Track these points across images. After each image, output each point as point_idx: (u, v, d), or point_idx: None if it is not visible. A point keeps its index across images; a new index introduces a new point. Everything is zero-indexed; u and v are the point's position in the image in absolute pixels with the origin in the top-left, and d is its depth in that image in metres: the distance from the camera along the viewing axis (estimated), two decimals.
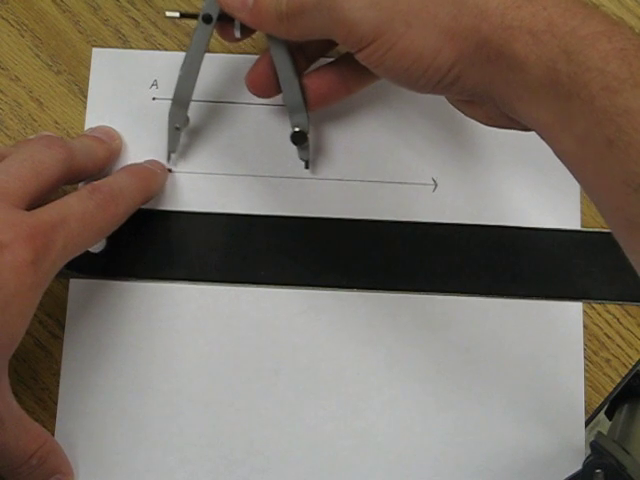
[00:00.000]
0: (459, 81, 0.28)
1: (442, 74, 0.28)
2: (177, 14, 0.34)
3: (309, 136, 0.36)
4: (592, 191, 0.26)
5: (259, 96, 0.35)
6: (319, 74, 0.35)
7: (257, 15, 0.30)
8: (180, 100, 0.36)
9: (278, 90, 0.35)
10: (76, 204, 0.32)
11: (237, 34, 0.32)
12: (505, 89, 0.27)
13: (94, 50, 0.39)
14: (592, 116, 0.24)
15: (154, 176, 0.37)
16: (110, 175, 0.36)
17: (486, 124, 0.31)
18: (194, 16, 0.33)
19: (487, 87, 0.28)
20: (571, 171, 0.27)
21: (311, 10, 0.29)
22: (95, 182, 0.34)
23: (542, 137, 0.27)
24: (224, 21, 0.33)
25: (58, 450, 0.35)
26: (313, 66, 0.36)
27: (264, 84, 0.35)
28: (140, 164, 0.38)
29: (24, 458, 0.32)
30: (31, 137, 0.36)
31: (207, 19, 0.33)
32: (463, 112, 0.31)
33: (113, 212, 0.33)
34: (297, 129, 0.35)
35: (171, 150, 0.38)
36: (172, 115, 0.36)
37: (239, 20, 0.32)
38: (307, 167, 0.38)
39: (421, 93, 0.30)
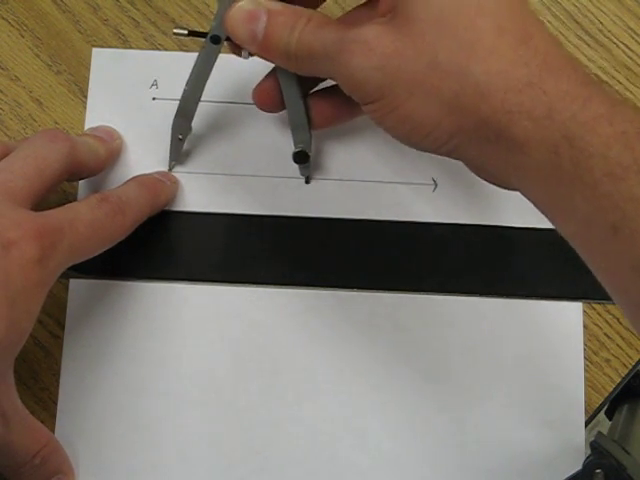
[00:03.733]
0: (458, 150, 0.28)
1: (441, 143, 0.28)
2: (185, 32, 0.33)
3: (311, 154, 0.36)
4: (598, 272, 0.26)
5: (264, 110, 0.35)
6: (324, 95, 0.35)
7: (266, 50, 0.30)
8: (184, 113, 0.36)
9: (284, 106, 0.35)
10: (85, 210, 0.32)
11: (245, 56, 0.32)
12: (505, 168, 0.27)
13: (94, 50, 0.40)
14: (596, 202, 0.24)
15: (163, 188, 0.37)
16: (119, 185, 0.36)
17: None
18: (203, 35, 0.33)
19: (486, 162, 0.28)
20: (576, 249, 0.27)
21: (319, 58, 0.29)
22: (105, 192, 0.35)
23: (544, 214, 0.27)
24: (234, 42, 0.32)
25: (60, 450, 0.35)
26: (321, 85, 0.35)
27: (270, 100, 0.35)
28: (150, 175, 0.38)
29: (27, 457, 0.32)
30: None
31: (215, 40, 0.33)
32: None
33: (121, 222, 0.34)
34: (299, 148, 0.35)
35: (173, 159, 0.38)
36: (175, 126, 0.36)
37: (248, 50, 0.31)
38: (307, 182, 0.38)
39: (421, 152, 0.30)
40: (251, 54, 0.32)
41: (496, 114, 0.26)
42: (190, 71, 0.34)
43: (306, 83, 0.34)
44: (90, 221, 0.32)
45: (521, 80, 0.25)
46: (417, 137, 0.28)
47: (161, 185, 0.37)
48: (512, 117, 0.25)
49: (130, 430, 0.36)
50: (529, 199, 0.28)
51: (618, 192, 0.24)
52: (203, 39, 0.33)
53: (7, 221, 0.29)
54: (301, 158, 0.36)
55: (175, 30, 0.34)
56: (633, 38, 0.40)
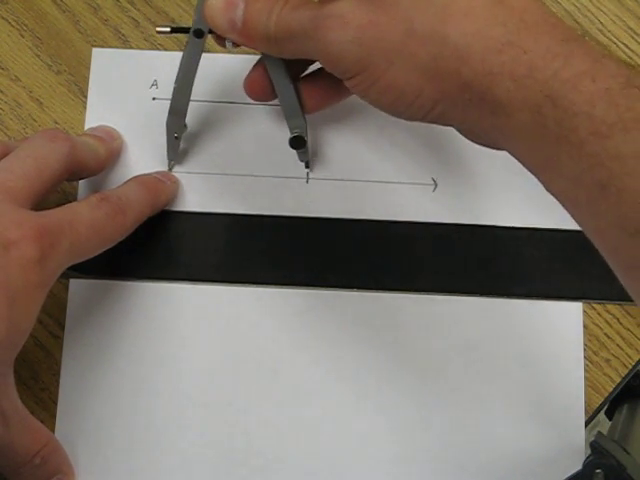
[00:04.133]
0: (444, 116, 0.28)
1: (426, 110, 0.28)
2: (168, 29, 0.34)
3: (307, 139, 0.36)
4: (588, 232, 0.26)
5: (256, 100, 0.36)
6: (314, 78, 0.35)
7: (246, 37, 0.31)
8: (177, 110, 0.36)
9: (275, 94, 0.35)
10: (85, 210, 0.32)
11: (229, 46, 0.32)
12: (491, 130, 0.27)
13: (94, 50, 0.39)
14: (582, 161, 0.24)
15: (164, 188, 0.37)
16: (119, 185, 0.36)
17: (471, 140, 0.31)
18: (186, 30, 0.33)
19: (473, 126, 0.28)
20: (565, 208, 0.26)
21: (298, 37, 0.29)
22: (105, 192, 0.35)
23: (533, 174, 0.27)
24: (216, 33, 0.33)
25: (60, 450, 0.35)
26: (310, 69, 0.35)
27: (260, 89, 0.35)
28: (150, 175, 0.38)
29: (27, 457, 0.32)
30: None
31: (198, 34, 0.33)
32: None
33: (121, 222, 0.34)
34: (295, 134, 0.35)
35: (171, 158, 0.38)
36: (170, 125, 0.36)
37: (229, 39, 0.32)
38: (307, 167, 0.38)
39: (410, 121, 0.30)
40: (235, 44, 0.32)
41: (477, 76, 0.26)
42: (177, 68, 0.34)
43: (294, 68, 0.34)
44: (90, 221, 0.32)
45: (499, 40, 0.25)
46: (402, 106, 0.28)
47: (161, 185, 0.37)
48: (493, 78, 0.25)
49: (130, 430, 0.36)
50: (517, 159, 0.27)
51: (604, 150, 0.23)
52: (187, 35, 0.33)
53: (7, 221, 0.29)
54: (298, 143, 0.36)
55: (158, 29, 0.34)
56: (633, 38, 0.40)
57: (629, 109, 0.23)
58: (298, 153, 0.37)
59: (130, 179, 0.37)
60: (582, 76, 0.24)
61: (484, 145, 0.29)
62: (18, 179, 0.31)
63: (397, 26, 0.27)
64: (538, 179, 0.27)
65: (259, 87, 0.35)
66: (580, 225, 0.26)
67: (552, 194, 0.27)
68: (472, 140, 0.30)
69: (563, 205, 0.26)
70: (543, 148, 0.25)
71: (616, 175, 0.23)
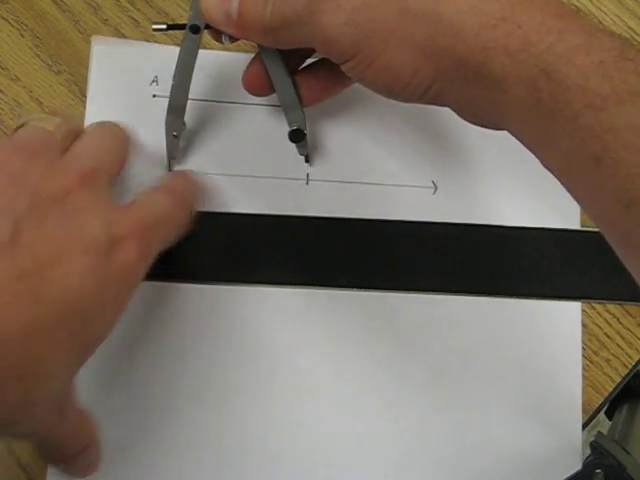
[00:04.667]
0: (442, 96, 0.28)
1: (423, 90, 0.28)
2: (164, 26, 0.33)
3: (307, 132, 0.36)
4: (583, 205, 0.26)
5: (255, 95, 0.36)
6: (311, 71, 0.35)
7: (242, 28, 0.31)
8: (175, 108, 0.36)
9: (273, 89, 0.35)
10: (162, 202, 0.32)
11: (225, 42, 0.32)
12: (488, 108, 0.27)
13: (93, 39, 0.39)
14: (577, 134, 0.24)
15: (203, 185, 0.37)
16: (166, 178, 0.36)
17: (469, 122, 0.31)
18: (182, 27, 0.33)
19: (470, 104, 0.28)
20: (562, 183, 0.27)
21: (293, 24, 0.29)
22: (165, 184, 0.34)
23: (531, 151, 0.27)
24: (212, 29, 0.33)
25: (99, 447, 0.34)
26: (307, 62, 0.35)
27: (258, 84, 0.35)
28: (186, 172, 0.38)
29: (76, 451, 0.32)
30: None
31: (195, 29, 0.33)
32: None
33: (188, 214, 0.34)
34: (294, 127, 0.35)
35: (171, 157, 0.38)
36: (169, 124, 0.36)
37: (225, 33, 0.32)
38: (307, 161, 0.38)
39: (407, 103, 0.30)
40: (232, 39, 0.32)
41: (472, 52, 0.26)
42: (175, 65, 0.34)
43: (292, 62, 0.34)
44: (168, 214, 0.32)
45: (494, 15, 0.25)
46: (399, 87, 0.28)
47: (200, 182, 0.37)
48: (488, 53, 0.25)
49: (129, 430, 0.36)
50: (515, 136, 0.27)
51: (598, 123, 0.24)
52: (183, 31, 0.33)
53: (112, 214, 0.29)
54: (297, 136, 0.36)
55: (154, 26, 0.34)
56: (633, 38, 0.40)
57: (623, 82, 0.24)
58: (297, 147, 0.37)
59: (173, 173, 0.37)
60: (576, 50, 0.24)
61: (481, 125, 0.29)
62: (103, 167, 0.30)
63: (391, 6, 0.27)
64: (535, 155, 0.27)
65: (257, 82, 0.35)
66: (576, 199, 0.27)
67: (548, 169, 0.27)
68: (469, 121, 0.30)
69: (559, 179, 0.27)
70: (539, 122, 0.25)
71: (610, 147, 0.23)
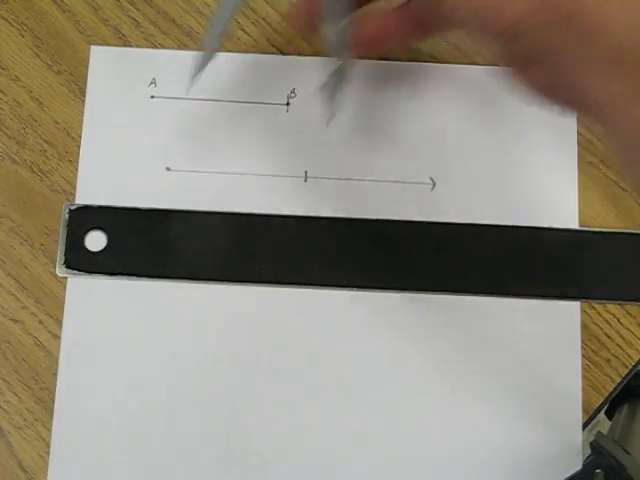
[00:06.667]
0: (519, 40, 0.26)
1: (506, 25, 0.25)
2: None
3: (346, 82, 0.32)
4: None
5: (297, 31, 0.33)
6: (382, 16, 0.31)
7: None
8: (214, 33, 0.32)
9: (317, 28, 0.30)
10: None
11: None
12: (570, 58, 0.25)
13: (92, 48, 0.39)
14: None
15: None
16: None
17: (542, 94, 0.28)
18: None
19: (548, 53, 0.26)
20: (617, 156, 0.25)
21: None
22: None
23: (593, 118, 0.26)
24: None
25: None
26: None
27: (305, 18, 0.31)
28: None
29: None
30: None
31: None
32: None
33: None
34: (335, 70, 0.32)
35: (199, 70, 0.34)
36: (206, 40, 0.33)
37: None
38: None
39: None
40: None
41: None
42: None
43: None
44: None
45: None
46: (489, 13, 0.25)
47: None
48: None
49: (130, 430, 0.36)
50: (592, 99, 0.25)
51: None
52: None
53: None
54: (336, 78, 0.32)
55: None
56: None
57: None
58: (327, 99, 0.33)
59: None
60: None
61: (552, 97, 0.27)
62: None
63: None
64: (598, 120, 0.25)
65: (303, 16, 0.31)
66: (629, 173, 0.25)
67: (610, 137, 0.25)
68: (544, 95, 0.28)
69: (619, 150, 0.25)
70: (626, 78, 0.24)
71: None
